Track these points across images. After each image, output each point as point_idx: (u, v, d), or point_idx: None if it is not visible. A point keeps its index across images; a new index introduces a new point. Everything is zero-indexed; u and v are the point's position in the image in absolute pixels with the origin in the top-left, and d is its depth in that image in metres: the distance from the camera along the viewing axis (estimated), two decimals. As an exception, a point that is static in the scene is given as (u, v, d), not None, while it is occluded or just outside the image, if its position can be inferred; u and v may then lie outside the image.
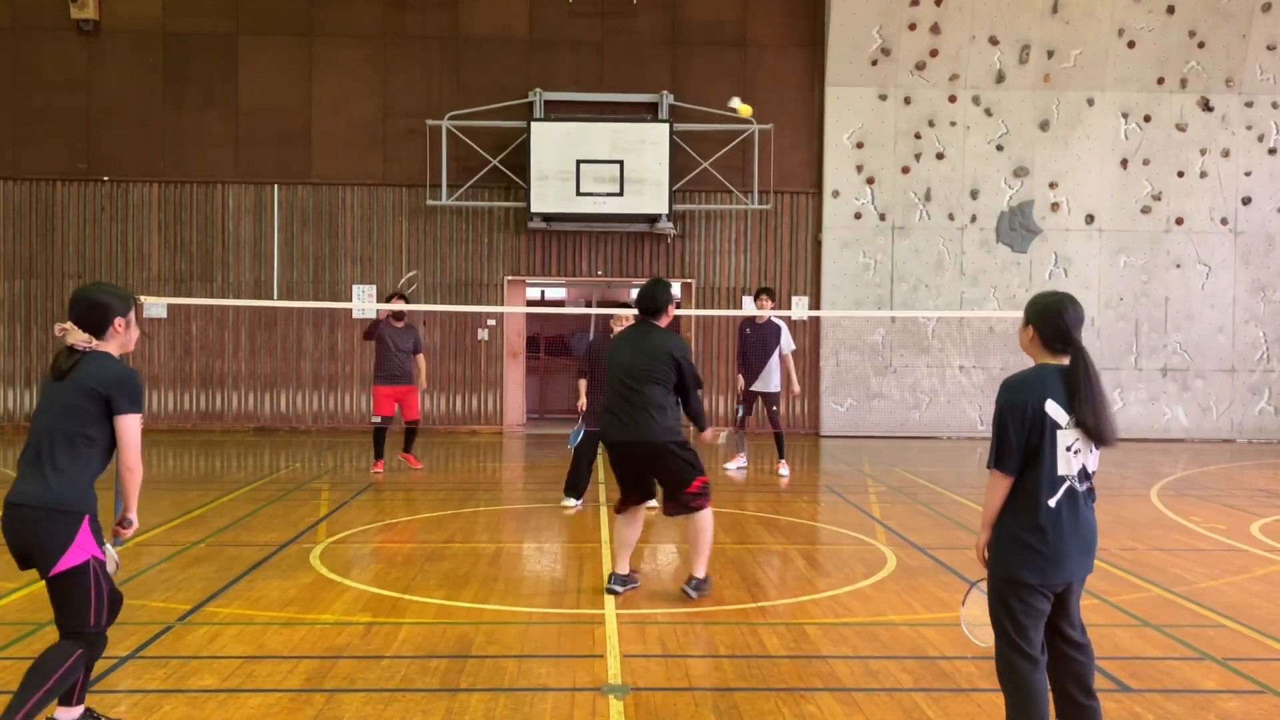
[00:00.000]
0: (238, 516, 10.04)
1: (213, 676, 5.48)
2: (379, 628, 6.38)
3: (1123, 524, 10.12)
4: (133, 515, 4.63)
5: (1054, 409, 4.16)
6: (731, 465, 13.70)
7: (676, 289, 7.71)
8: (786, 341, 13.18)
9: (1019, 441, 4.17)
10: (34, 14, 17.96)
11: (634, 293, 22.47)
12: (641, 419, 7.03)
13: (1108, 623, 6.67)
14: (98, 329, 4.57)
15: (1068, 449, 4.17)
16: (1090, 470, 4.22)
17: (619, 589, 7.20)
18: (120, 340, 4.65)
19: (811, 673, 5.67)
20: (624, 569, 7.32)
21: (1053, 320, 4.24)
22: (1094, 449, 4.21)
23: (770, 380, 13.12)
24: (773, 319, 13.17)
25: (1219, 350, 18.60)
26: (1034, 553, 4.16)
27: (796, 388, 13.43)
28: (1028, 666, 4.20)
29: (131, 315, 4.67)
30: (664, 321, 7.36)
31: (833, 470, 14.63)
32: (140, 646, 5.94)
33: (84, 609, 4.44)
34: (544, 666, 5.72)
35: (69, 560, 4.38)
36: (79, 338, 4.54)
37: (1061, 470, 4.17)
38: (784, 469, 13.30)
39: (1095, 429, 4.14)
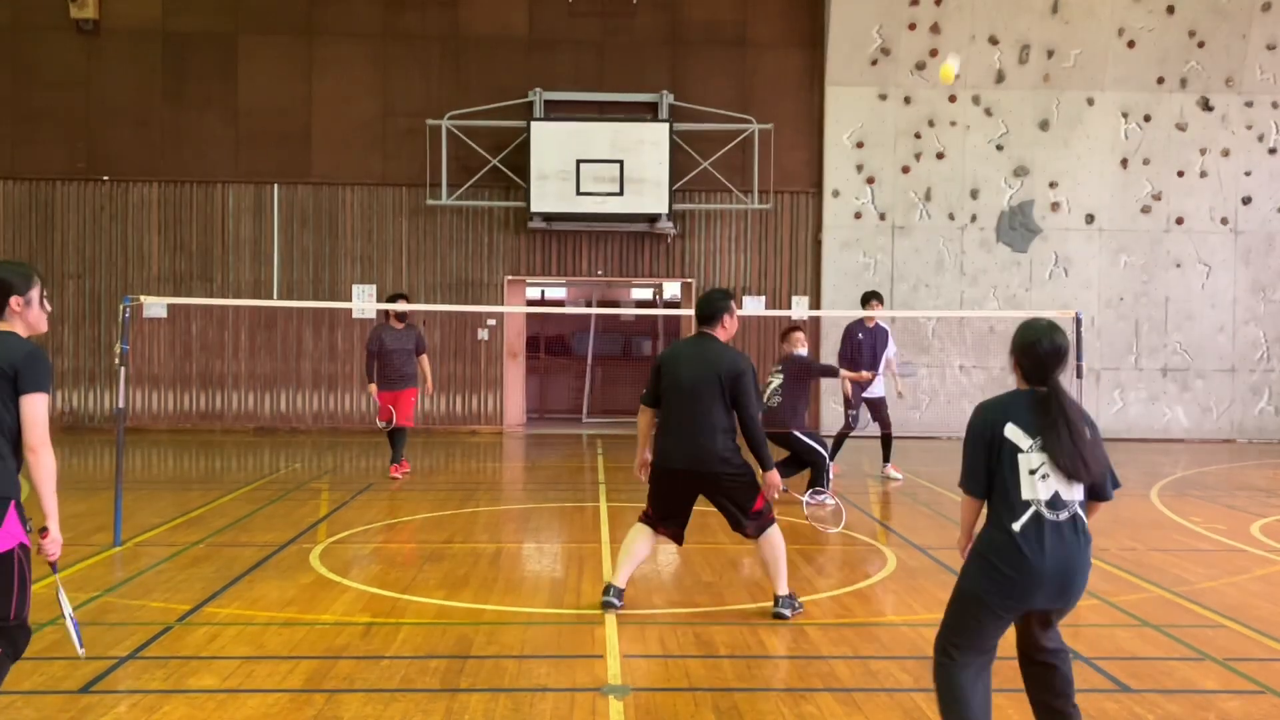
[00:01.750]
0: (238, 516, 10.03)
1: (213, 676, 5.48)
2: (379, 628, 6.38)
3: (1123, 524, 10.11)
4: (53, 525, 4.22)
5: (1013, 432, 4.11)
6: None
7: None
8: (892, 345, 13.13)
9: (980, 463, 4.16)
10: (34, 14, 17.95)
11: (634, 293, 22.50)
12: (705, 442, 6.57)
13: (1108, 623, 6.67)
14: None
15: (1031, 473, 4.08)
16: (1066, 499, 4.09)
17: (618, 603, 6.78)
18: (23, 320, 4.34)
19: (811, 673, 5.67)
20: (624, 583, 6.87)
21: (1030, 353, 4.20)
22: (1072, 482, 4.11)
23: (880, 385, 13.04)
24: (880, 323, 13.10)
25: (1219, 350, 18.60)
26: (992, 573, 4.09)
27: (900, 387, 13.19)
28: (955, 668, 4.21)
29: (33, 294, 4.35)
30: (723, 335, 6.82)
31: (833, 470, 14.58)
32: (140, 646, 5.94)
33: (5, 600, 4.15)
34: (544, 666, 5.72)
35: None
36: None
37: (1025, 494, 4.07)
38: (893, 471, 13.07)
39: (1067, 466, 4.06)
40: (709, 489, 6.68)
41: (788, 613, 6.70)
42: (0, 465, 4.16)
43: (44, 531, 4.23)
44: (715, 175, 17.91)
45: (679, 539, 6.92)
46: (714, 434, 6.55)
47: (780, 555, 6.76)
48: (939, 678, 4.26)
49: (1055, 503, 4.06)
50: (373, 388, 12.48)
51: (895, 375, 13.23)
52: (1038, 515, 4.05)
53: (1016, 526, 4.04)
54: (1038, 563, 4.01)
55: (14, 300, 4.30)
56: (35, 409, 4.17)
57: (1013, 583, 4.03)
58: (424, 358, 12.73)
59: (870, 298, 13.02)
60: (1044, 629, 4.24)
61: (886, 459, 13.26)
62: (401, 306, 12.28)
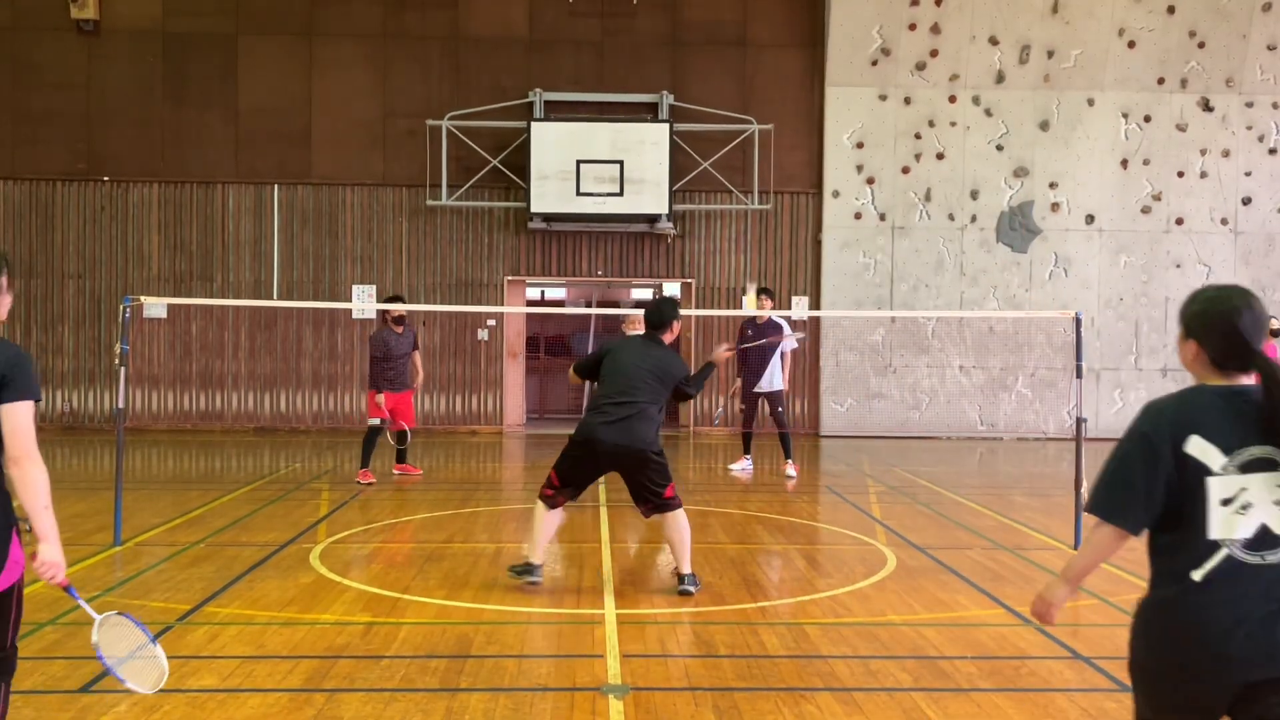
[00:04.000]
0: (238, 516, 10.03)
1: (213, 676, 5.47)
2: (379, 628, 6.38)
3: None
4: (48, 548, 3.67)
5: (1200, 446, 2.95)
6: (736, 466, 13.66)
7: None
8: (792, 339, 13.12)
9: (1144, 486, 2.99)
10: (34, 14, 17.95)
11: (634, 293, 22.51)
12: (636, 426, 7.17)
13: (1108, 622, 6.67)
14: None
15: (1225, 503, 2.92)
16: (1279, 533, 2.92)
17: (537, 579, 7.29)
18: None
19: (811, 673, 5.67)
20: (540, 558, 7.39)
21: (1225, 328, 3.03)
22: None
23: (773, 380, 13.08)
24: (773, 318, 13.15)
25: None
26: (1168, 645, 2.98)
27: (784, 385, 13.29)
28: None
29: (4, 279, 3.84)
30: (668, 339, 7.55)
31: (833, 470, 14.63)
32: (140, 646, 5.93)
33: (4, 629, 3.75)
34: (544, 666, 5.72)
35: (4, 582, 3.68)
36: None
37: (1214, 534, 2.92)
38: (790, 469, 13.19)
39: None
40: (632, 468, 7.20)
41: (694, 589, 7.19)
42: (2, 489, 3.71)
43: (43, 564, 3.77)
44: (715, 175, 17.91)
45: (558, 506, 7.40)
46: (648, 422, 7.22)
47: (687, 533, 7.29)
48: None
49: (1262, 541, 2.91)
50: (383, 396, 12.08)
51: (786, 370, 13.26)
52: (1232, 560, 2.91)
53: (1199, 575, 2.92)
54: (1229, 624, 2.88)
55: None
56: (22, 417, 3.68)
57: (1201, 656, 2.90)
58: (416, 354, 12.63)
59: (759, 293, 13.21)
60: None
61: (787, 455, 13.23)
62: (400, 308, 12.17)
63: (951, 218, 18.43)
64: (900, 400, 18.44)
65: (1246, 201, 18.57)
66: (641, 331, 7.71)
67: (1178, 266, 18.54)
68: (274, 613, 6.70)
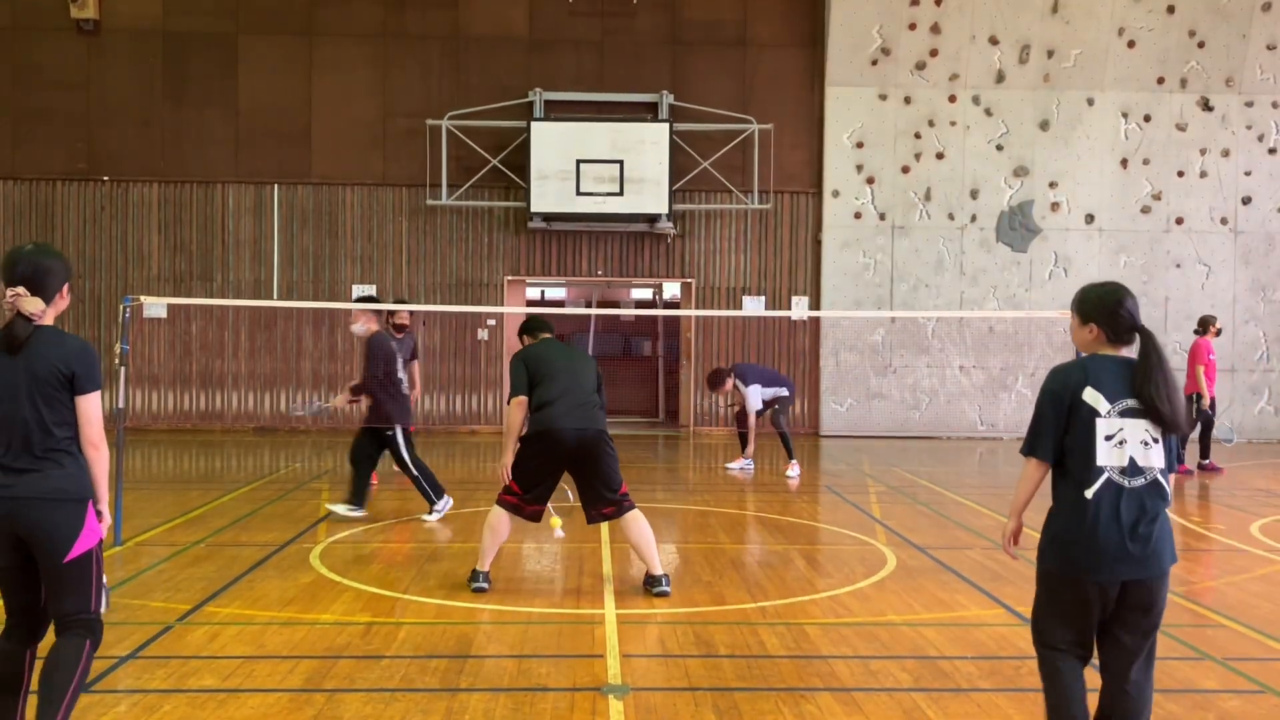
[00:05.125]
0: (238, 516, 10.04)
1: (213, 676, 5.48)
2: (379, 628, 6.38)
3: (1123, 524, 10.10)
4: (105, 507, 4.39)
5: (1093, 396, 4.04)
6: (735, 466, 13.72)
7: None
8: (753, 398, 13.46)
9: (1052, 428, 4.11)
10: (34, 14, 17.96)
11: (634, 293, 22.49)
12: (594, 413, 7.19)
13: (1108, 623, 6.67)
14: (45, 296, 4.21)
15: (1108, 439, 4.02)
16: (1144, 465, 4.02)
17: (488, 586, 7.22)
18: (56, 309, 4.30)
19: (811, 673, 5.67)
20: (489, 566, 7.32)
21: (1118, 311, 4.14)
22: (1152, 441, 4.04)
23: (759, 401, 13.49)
24: (737, 385, 13.52)
25: (1219, 350, 18.56)
26: (1068, 545, 4.05)
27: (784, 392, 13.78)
28: (1058, 657, 4.11)
29: (69, 284, 4.37)
30: None
31: (833, 470, 14.63)
32: (140, 646, 5.94)
33: (87, 593, 4.28)
34: (544, 666, 5.72)
35: (81, 547, 4.22)
36: (35, 306, 4.16)
37: (1100, 461, 4.02)
38: (791, 470, 13.28)
39: (1165, 416, 4.00)
40: (592, 450, 7.06)
41: (669, 588, 7.15)
42: (76, 465, 4.26)
43: (98, 516, 4.42)
44: (715, 175, 17.91)
45: (539, 518, 7.28)
46: (601, 411, 7.26)
47: (650, 534, 7.21)
48: (1045, 671, 4.14)
49: (1132, 469, 4.01)
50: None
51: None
52: (1111, 482, 4.01)
53: (1089, 494, 4.00)
54: (1111, 529, 3.97)
55: (65, 288, 4.31)
56: (95, 408, 4.26)
57: (1089, 550, 3.98)
58: (415, 364, 12.08)
59: (709, 381, 13.64)
60: (1130, 634, 4.07)
61: (789, 455, 13.50)
62: (404, 308, 11.89)
63: (951, 217, 18.44)
64: (900, 400, 18.45)
65: (1246, 201, 18.58)
66: (535, 338, 7.60)
67: (1178, 266, 18.54)
68: (274, 613, 6.70)
